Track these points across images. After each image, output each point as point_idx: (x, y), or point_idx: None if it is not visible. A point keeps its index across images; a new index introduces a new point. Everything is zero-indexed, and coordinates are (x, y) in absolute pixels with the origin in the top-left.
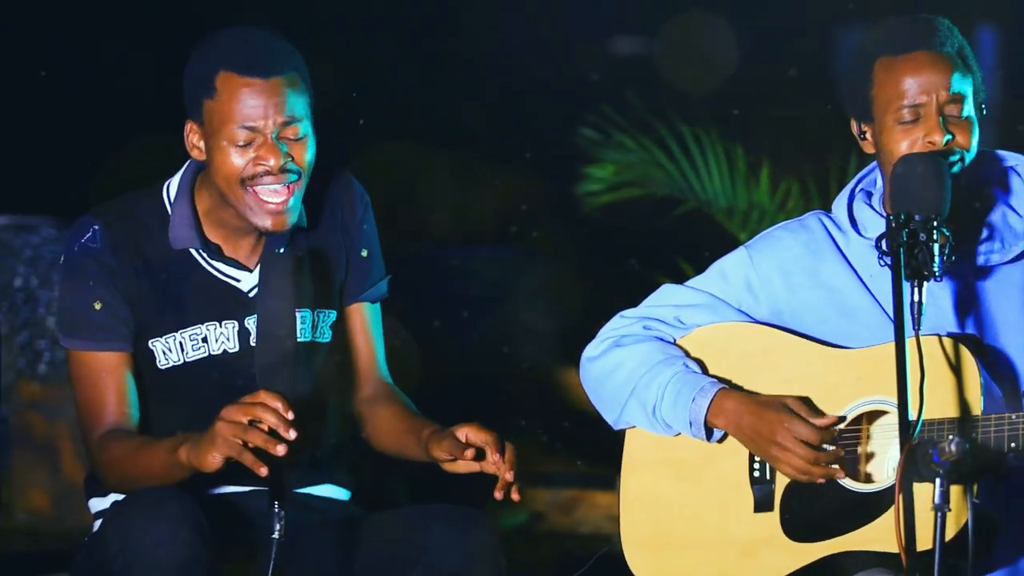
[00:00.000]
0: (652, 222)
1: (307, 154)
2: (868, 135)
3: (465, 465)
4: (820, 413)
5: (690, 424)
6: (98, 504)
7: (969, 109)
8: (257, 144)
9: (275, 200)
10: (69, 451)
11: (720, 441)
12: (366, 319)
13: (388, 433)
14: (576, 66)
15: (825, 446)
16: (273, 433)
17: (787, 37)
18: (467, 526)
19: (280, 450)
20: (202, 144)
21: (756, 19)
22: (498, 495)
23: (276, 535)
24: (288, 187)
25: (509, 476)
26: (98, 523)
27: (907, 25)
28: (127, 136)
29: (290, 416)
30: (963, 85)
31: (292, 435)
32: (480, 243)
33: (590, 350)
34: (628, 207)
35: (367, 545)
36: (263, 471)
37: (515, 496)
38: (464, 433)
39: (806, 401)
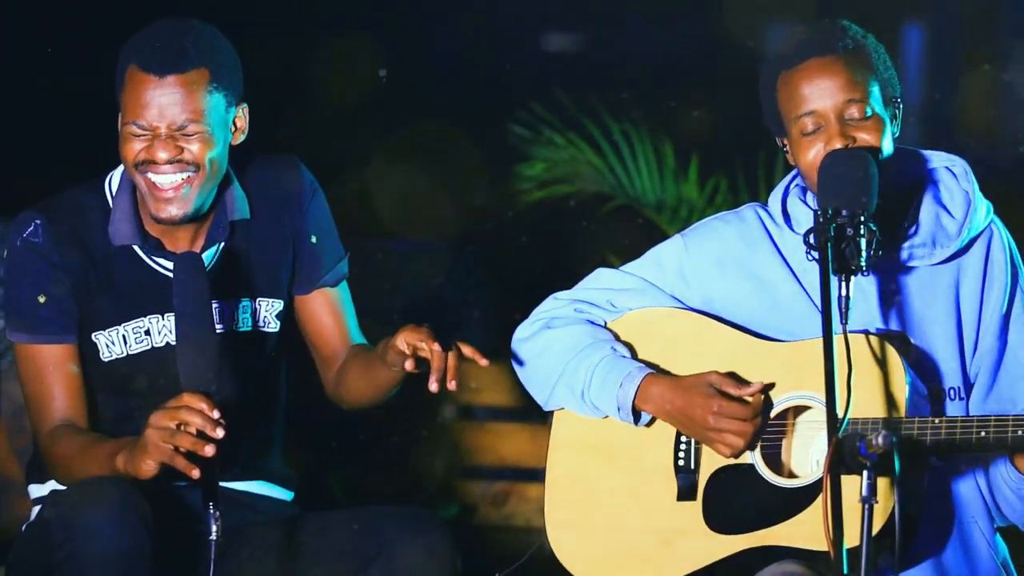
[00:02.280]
0: (582, 219)
1: (208, 151)
2: (787, 148)
3: (411, 364)
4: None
5: (618, 409)
6: (37, 490)
7: (875, 107)
8: (149, 138)
9: (165, 185)
10: (3, 445)
11: (648, 425)
12: (332, 301)
13: (359, 375)
14: (506, 63)
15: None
16: (202, 435)
17: (716, 33)
18: (423, 528)
19: (208, 451)
20: None
21: (684, 15)
22: (433, 387)
23: (213, 536)
24: (186, 178)
25: (451, 364)
26: (36, 509)
27: (800, 35)
28: (58, 131)
29: (215, 415)
30: (863, 83)
31: (219, 434)
32: (409, 239)
33: (521, 331)
34: (558, 204)
35: (317, 545)
36: (195, 473)
37: (451, 385)
38: (402, 340)
39: (731, 375)
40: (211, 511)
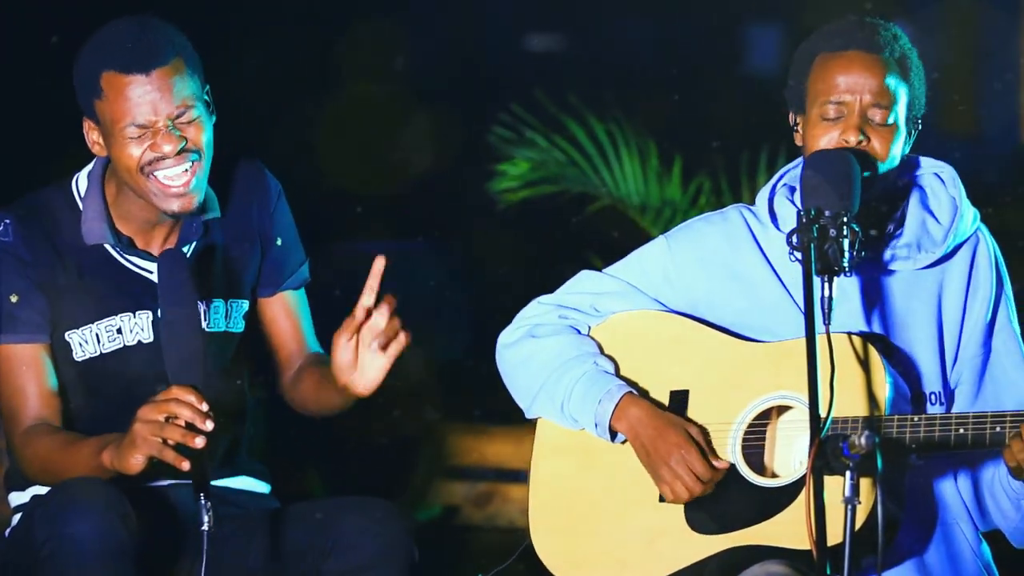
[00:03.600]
0: (566, 219)
1: (203, 134)
2: (799, 127)
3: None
4: (711, 445)
5: (595, 425)
6: (18, 498)
7: (896, 117)
8: (151, 135)
9: (177, 183)
10: None
11: (625, 441)
12: (290, 306)
13: (311, 390)
14: (489, 63)
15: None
16: (190, 427)
17: (700, 35)
18: (378, 517)
19: (199, 442)
20: (101, 140)
21: (668, 17)
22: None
23: (205, 527)
24: (191, 166)
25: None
26: (17, 517)
27: (850, 24)
28: (33, 129)
29: (204, 407)
30: (894, 91)
31: (209, 426)
32: (394, 238)
33: (505, 336)
34: (543, 204)
35: (285, 537)
36: (185, 465)
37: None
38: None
39: (704, 434)
40: (203, 502)
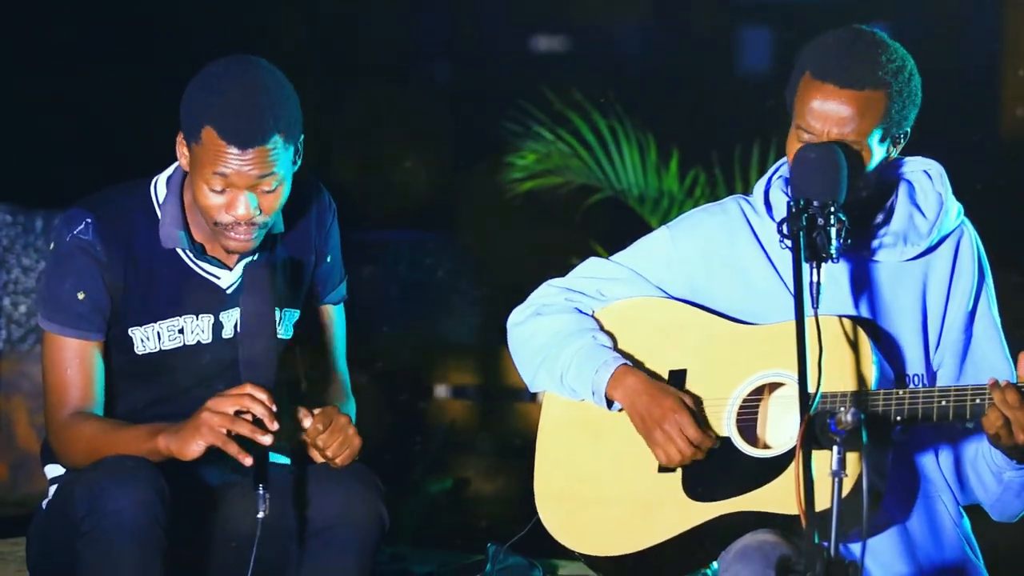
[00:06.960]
0: (571, 209)
1: (279, 200)
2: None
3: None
4: (705, 413)
5: (592, 393)
6: (54, 470)
7: (869, 143)
8: (229, 194)
9: (240, 238)
10: (24, 423)
11: (622, 409)
12: (326, 320)
13: None
14: (499, 59)
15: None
16: (257, 423)
17: (696, 36)
18: (343, 481)
19: (267, 440)
20: (187, 161)
21: (668, 18)
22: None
23: (261, 515)
24: (258, 234)
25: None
26: (53, 488)
27: (838, 47)
28: (81, 127)
29: (274, 408)
30: (865, 129)
31: (275, 426)
32: (405, 228)
33: (515, 315)
34: (547, 195)
35: (271, 503)
36: (248, 461)
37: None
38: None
39: (698, 403)
40: (261, 492)
